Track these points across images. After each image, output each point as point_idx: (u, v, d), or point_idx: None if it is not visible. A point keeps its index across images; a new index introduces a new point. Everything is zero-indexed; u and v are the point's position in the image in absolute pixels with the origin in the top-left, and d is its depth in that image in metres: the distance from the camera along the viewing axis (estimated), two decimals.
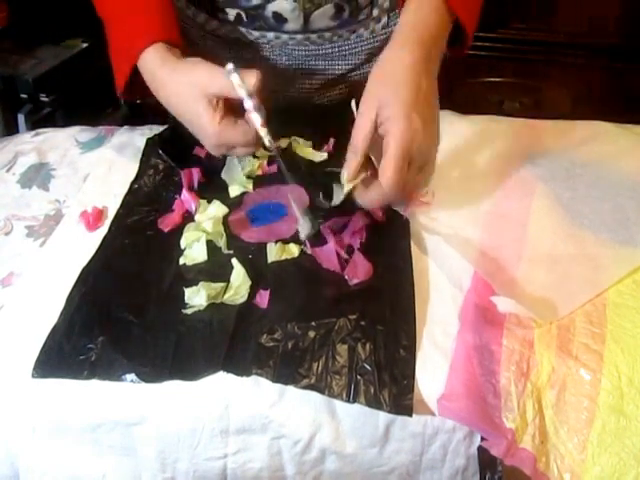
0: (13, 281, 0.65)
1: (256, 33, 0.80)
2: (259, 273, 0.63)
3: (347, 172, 0.62)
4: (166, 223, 0.69)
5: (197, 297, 0.60)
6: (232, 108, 0.64)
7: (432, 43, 0.63)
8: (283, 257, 0.65)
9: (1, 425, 0.57)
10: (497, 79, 1.65)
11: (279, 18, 0.77)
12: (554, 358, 0.56)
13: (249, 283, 0.62)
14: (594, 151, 0.79)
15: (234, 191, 0.74)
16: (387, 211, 0.70)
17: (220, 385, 0.56)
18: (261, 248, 0.66)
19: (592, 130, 0.84)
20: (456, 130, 0.84)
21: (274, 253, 0.65)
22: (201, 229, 0.68)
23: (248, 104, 0.63)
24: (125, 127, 0.87)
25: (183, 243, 0.67)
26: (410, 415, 0.54)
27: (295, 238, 0.67)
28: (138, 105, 1.05)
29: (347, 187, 0.63)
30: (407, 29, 0.64)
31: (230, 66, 0.63)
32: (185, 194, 0.71)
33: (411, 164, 0.60)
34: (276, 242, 0.66)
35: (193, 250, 0.66)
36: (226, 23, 0.81)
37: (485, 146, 0.81)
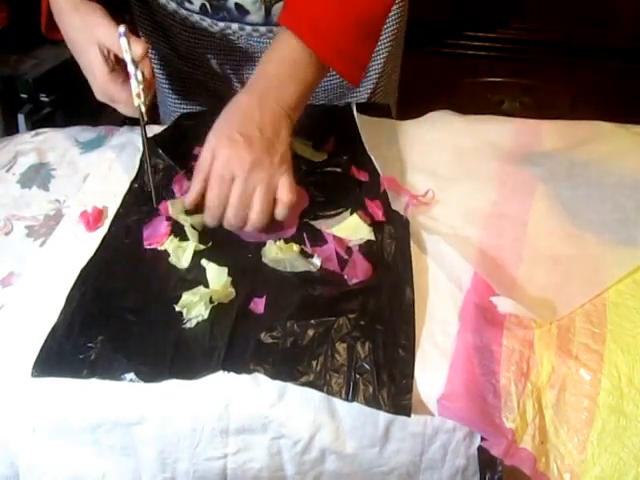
0: (13, 281, 0.65)
1: (221, 24, 0.82)
2: (253, 280, 0.63)
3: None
4: (150, 240, 0.67)
5: (196, 308, 0.60)
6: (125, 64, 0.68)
7: (267, 83, 0.66)
8: (280, 256, 0.64)
9: (1, 425, 0.57)
10: (497, 79, 1.65)
11: (241, 9, 0.78)
12: (554, 358, 0.56)
13: (226, 278, 0.62)
14: (594, 151, 0.79)
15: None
16: (387, 211, 0.70)
17: (220, 385, 0.56)
18: (259, 248, 0.66)
19: (592, 130, 0.84)
20: (456, 130, 0.84)
21: (273, 252, 0.65)
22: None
23: (131, 69, 0.66)
24: (125, 127, 0.87)
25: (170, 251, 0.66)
26: (408, 415, 0.54)
27: (295, 238, 0.67)
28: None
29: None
30: (252, 77, 0.68)
31: (122, 29, 0.66)
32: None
33: (234, 184, 0.63)
34: (276, 241, 0.66)
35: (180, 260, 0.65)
36: (193, 13, 0.83)
37: (485, 146, 0.81)
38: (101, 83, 0.68)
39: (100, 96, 0.70)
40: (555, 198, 0.72)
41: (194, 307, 0.60)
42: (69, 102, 1.35)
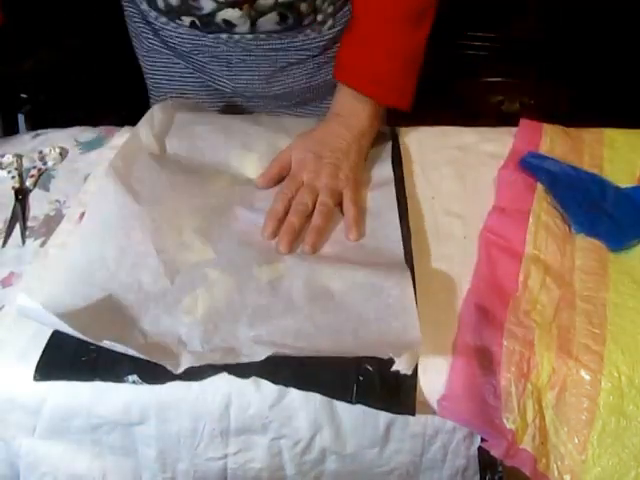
0: (13, 281, 0.65)
1: (211, 35, 0.86)
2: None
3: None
4: None
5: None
6: None
7: (338, 116, 0.78)
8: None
9: (1, 425, 0.57)
10: (497, 79, 1.65)
11: (228, 24, 0.83)
12: (554, 359, 0.56)
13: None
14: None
15: None
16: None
17: (220, 385, 0.56)
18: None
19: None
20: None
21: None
22: None
23: None
24: (125, 127, 0.87)
25: None
26: (413, 414, 0.54)
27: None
28: (138, 105, 1.05)
29: None
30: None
31: None
32: None
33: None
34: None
35: None
36: (184, 27, 0.87)
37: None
38: None
39: None
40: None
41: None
42: (69, 102, 1.35)
